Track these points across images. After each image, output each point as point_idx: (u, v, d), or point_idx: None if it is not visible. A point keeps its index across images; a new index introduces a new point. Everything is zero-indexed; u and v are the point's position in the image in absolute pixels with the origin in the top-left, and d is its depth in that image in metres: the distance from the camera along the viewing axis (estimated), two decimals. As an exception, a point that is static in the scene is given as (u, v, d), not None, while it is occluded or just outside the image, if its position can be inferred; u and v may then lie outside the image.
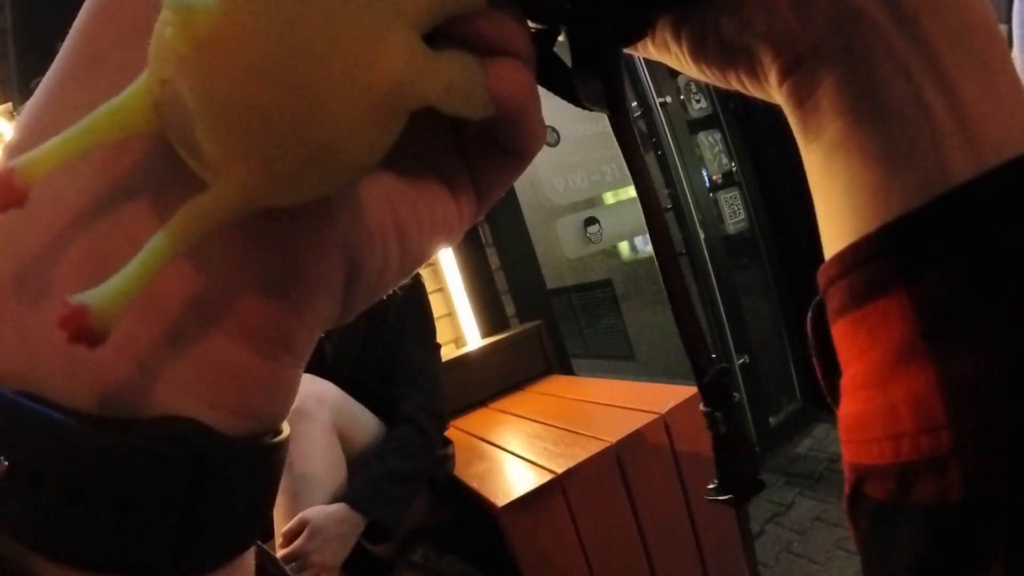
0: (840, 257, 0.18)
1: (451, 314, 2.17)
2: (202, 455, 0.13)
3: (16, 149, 0.13)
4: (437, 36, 0.14)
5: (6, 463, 0.12)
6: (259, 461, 0.14)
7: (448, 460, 1.36)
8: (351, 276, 0.15)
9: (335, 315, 0.16)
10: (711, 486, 0.25)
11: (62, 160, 0.11)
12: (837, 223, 0.19)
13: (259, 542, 0.16)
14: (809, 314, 0.21)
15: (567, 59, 0.20)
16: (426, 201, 0.17)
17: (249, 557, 0.16)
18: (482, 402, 1.89)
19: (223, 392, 0.13)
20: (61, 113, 0.13)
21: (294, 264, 0.14)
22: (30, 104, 0.13)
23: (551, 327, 2.15)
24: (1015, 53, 0.61)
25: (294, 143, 0.11)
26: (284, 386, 0.15)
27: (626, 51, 0.23)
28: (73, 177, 0.12)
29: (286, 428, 0.16)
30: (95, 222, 0.12)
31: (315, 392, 1.17)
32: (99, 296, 0.10)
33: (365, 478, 1.13)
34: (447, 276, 2.17)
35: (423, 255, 0.17)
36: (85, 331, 0.10)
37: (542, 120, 0.16)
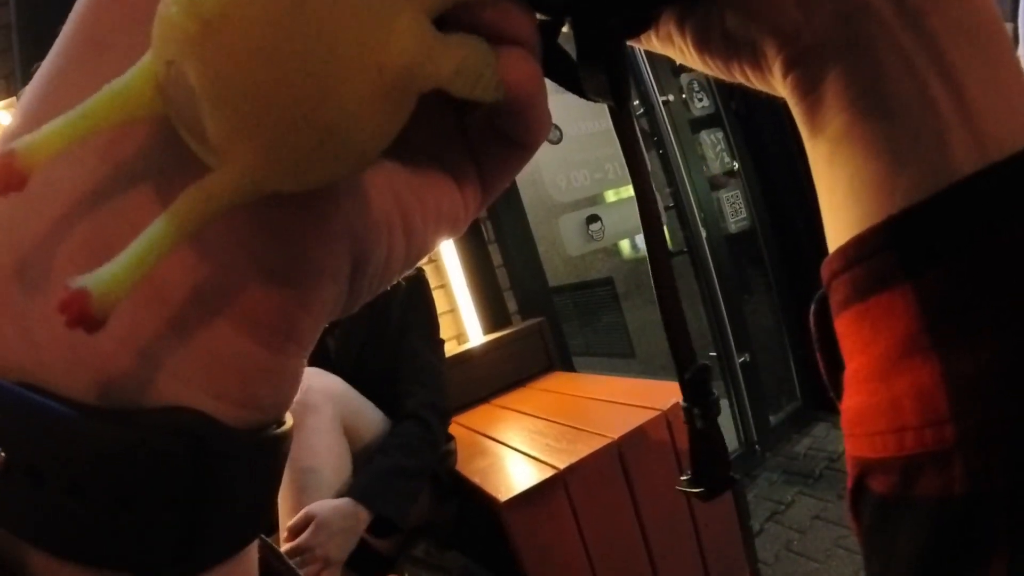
0: (844, 250, 0.18)
1: (453, 311, 2.16)
2: (204, 447, 0.12)
3: (15, 134, 0.12)
4: (444, 25, 0.14)
5: (4, 456, 0.11)
6: (262, 453, 0.14)
7: (450, 456, 1.36)
8: (356, 266, 0.15)
9: (340, 305, 0.16)
10: (684, 477, 0.25)
11: (64, 144, 0.11)
12: (841, 217, 0.19)
13: (263, 536, 0.16)
14: (812, 307, 0.21)
15: (571, 50, 0.20)
16: (431, 191, 0.17)
17: (252, 551, 0.16)
18: (484, 398, 1.89)
19: (226, 382, 0.13)
20: (61, 98, 0.13)
21: (299, 253, 0.14)
22: (29, 89, 0.13)
23: (553, 324, 2.15)
24: (1020, 51, 0.61)
25: (302, 125, 0.11)
26: (288, 376, 0.15)
27: (629, 44, 0.23)
28: (74, 163, 0.12)
29: (289, 419, 0.16)
30: (97, 209, 0.12)
31: (322, 386, 1.17)
32: (99, 280, 0.10)
33: (370, 473, 1.13)
34: (449, 273, 2.17)
35: (428, 246, 0.17)
36: (84, 315, 0.10)
37: (548, 109, 0.16)
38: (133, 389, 0.12)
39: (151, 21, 0.11)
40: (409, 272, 0.18)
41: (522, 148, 0.18)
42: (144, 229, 0.11)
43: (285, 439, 0.15)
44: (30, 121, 0.13)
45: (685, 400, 0.25)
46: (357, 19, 0.11)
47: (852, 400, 0.19)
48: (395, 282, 0.18)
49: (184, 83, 0.10)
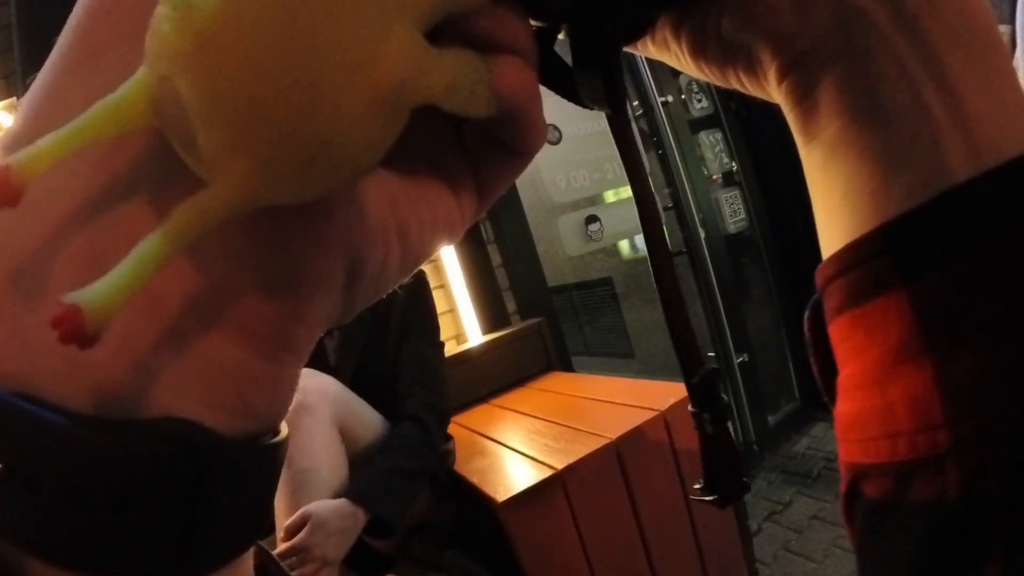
0: (838, 256, 0.19)
1: (452, 311, 2.17)
2: (200, 457, 0.12)
3: (12, 145, 0.13)
4: (439, 34, 0.14)
5: (1, 465, 0.11)
6: (258, 462, 0.14)
7: (449, 456, 1.36)
8: (352, 275, 0.15)
9: (335, 314, 0.16)
10: (697, 486, 0.25)
11: (58, 157, 0.11)
12: (835, 222, 0.19)
13: (258, 541, 0.16)
14: (806, 313, 0.21)
15: (566, 57, 0.21)
16: (427, 199, 0.17)
17: (248, 558, 0.16)
18: (483, 398, 1.89)
19: (221, 393, 0.13)
20: (58, 109, 0.13)
21: (294, 263, 0.14)
22: (26, 99, 0.13)
23: (552, 324, 2.15)
24: (1017, 54, 0.61)
25: (294, 141, 0.11)
26: (283, 386, 0.15)
27: (626, 50, 0.23)
28: (70, 174, 0.12)
29: (284, 428, 0.16)
30: (92, 220, 0.12)
31: (318, 387, 1.16)
32: (92, 296, 0.10)
33: (369, 474, 1.13)
34: (449, 273, 2.17)
35: (424, 253, 0.17)
36: (78, 332, 0.10)
37: (544, 118, 0.16)
38: (128, 399, 0.12)
39: (147, 30, 0.11)
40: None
41: (518, 155, 0.18)
42: (139, 240, 0.11)
43: (280, 447, 0.15)
44: (27, 132, 0.13)
45: (693, 405, 0.24)
46: (349, 35, 0.11)
47: (846, 406, 0.19)
48: (391, 290, 0.18)
49: (177, 98, 0.10)
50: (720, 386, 0.24)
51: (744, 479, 0.24)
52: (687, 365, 0.24)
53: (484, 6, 0.15)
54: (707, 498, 0.24)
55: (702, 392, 0.24)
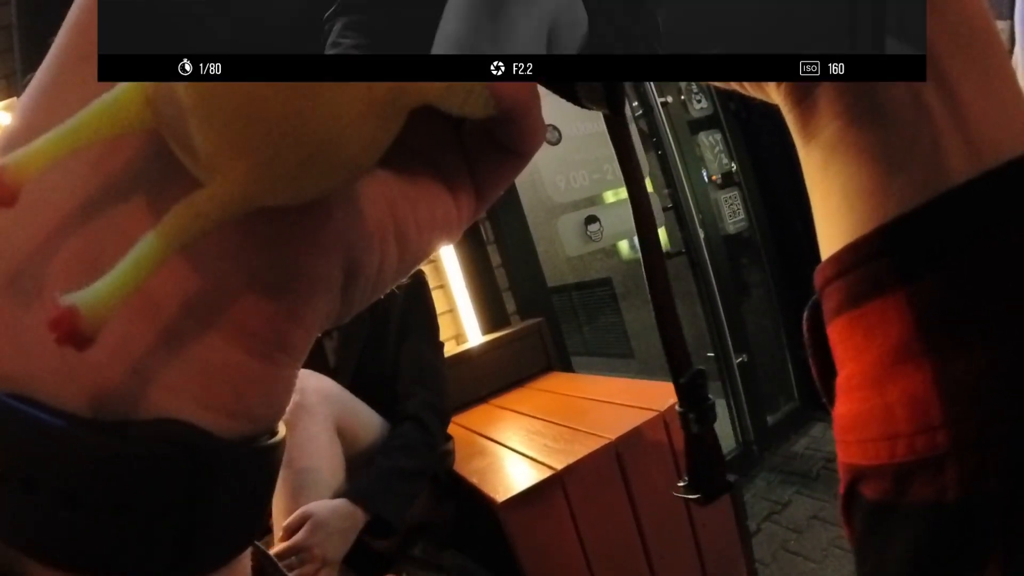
0: (837, 257, 0.19)
1: (452, 311, 2.16)
2: (198, 458, 0.12)
3: (8, 145, 0.13)
4: None
5: None
6: (256, 463, 0.14)
7: (448, 456, 1.36)
8: (349, 275, 0.15)
9: (333, 315, 0.16)
10: (680, 483, 0.25)
11: (54, 158, 0.11)
12: (834, 223, 0.19)
13: (256, 542, 0.16)
14: (805, 314, 0.21)
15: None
16: (425, 199, 0.17)
17: (246, 558, 0.16)
18: (482, 398, 1.89)
19: (218, 394, 0.13)
20: (55, 108, 0.13)
21: (291, 264, 0.14)
22: (23, 99, 0.13)
23: (552, 324, 2.15)
24: (1016, 51, 0.61)
25: (291, 141, 0.11)
26: (280, 387, 0.15)
27: None
28: (66, 175, 0.12)
29: (282, 429, 0.16)
30: (88, 221, 0.12)
31: (318, 387, 1.16)
32: (89, 297, 0.10)
33: (369, 474, 1.13)
34: (448, 273, 2.17)
35: (422, 254, 0.17)
36: (74, 333, 0.10)
37: (542, 118, 0.16)
38: (125, 400, 0.12)
39: None
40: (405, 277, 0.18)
41: (517, 156, 0.18)
42: (136, 240, 0.11)
43: (278, 448, 0.15)
44: (23, 132, 0.13)
45: (681, 405, 0.25)
46: None
47: (844, 407, 0.19)
48: (388, 290, 0.18)
49: (174, 99, 0.10)
50: (707, 387, 0.25)
51: (727, 478, 0.25)
52: (675, 366, 0.25)
53: None
54: (690, 496, 0.25)
55: (689, 392, 0.25)
